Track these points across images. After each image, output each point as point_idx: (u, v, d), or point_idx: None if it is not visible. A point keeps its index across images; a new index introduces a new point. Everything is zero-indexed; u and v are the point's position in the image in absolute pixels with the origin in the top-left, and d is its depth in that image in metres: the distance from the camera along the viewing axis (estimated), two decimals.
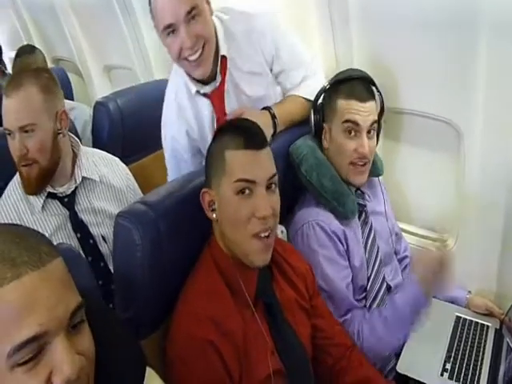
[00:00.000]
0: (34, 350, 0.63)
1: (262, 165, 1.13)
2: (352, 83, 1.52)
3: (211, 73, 1.58)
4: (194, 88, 1.63)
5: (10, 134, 1.43)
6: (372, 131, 1.53)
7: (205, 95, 1.66)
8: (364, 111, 1.49)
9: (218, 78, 1.62)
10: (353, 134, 1.50)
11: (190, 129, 1.72)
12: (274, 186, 1.15)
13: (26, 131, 1.42)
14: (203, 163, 1.25)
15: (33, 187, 1.49)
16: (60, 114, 1.49)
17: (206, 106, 1.68)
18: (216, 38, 1.55)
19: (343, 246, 1.50)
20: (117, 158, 1.76)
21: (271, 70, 1.70)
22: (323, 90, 1.58)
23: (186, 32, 1.43)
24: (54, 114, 1.48)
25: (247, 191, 1.11)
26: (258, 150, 1.13)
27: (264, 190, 1.12)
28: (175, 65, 1.64)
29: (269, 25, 1.63)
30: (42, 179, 1.49)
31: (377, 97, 1.56)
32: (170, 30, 1.45)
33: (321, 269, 1.45)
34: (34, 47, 2.82)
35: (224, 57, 1.59)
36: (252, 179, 1.10)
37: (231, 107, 1.67)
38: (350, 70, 1.61)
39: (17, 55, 2.69)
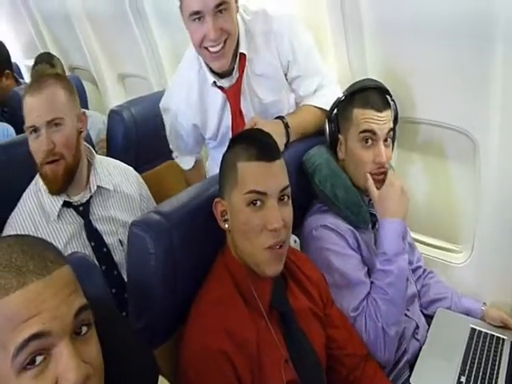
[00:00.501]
0: (37, 349, 0.63)
1: (274, 177, 1.13)
2: (367, 93, 1.52)
3: (228, 68, 1.59)
4: (211, 78, 1.63)
5: (34, 132, 1.44)
6: (388, 139, 1.52)
7: (221, 89, 1.66)
8: (380, 120, 1.48)
9: (235, 75, 1.63)
10: (370, 143, 1.50)
11: (195, 118, 1.74)
12: (286, 197, 1.15)
13: (55, 124, 1.44)
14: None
15: (59, 184, 1.49)
16: (81, 115, 1.53)
17: (218, 96, 1.68)
18: (237, 36, 1.57)
19: (354, 243, 1.49)
20: (131, 168, 1.77)
21: (286, 76, 1.71)
22: (338, 101, 1.58)
23: (212, 23, 1.45)
24: (76, 114, 1.51)
25: (259, 203, 1.11)
26: (270, 162, 1.13)
27: (276, 202, 1.12)
28: (189, 58, 1.68)
29: (288, 28, 1.64)
30: (68, 176, 1.50)
31: (392, 105, 1.56)
32: (196, 16, 1.46)
33: (334, 265, 1.44)
34: (51, 55, 2.86)
35: (243, 54, 1.60)
36: (263, 191, 1.10)
37: (245, 107, 1.69)
38: (365, 79, 1.60)
39: (35, 63, 2.72)
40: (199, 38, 1.49)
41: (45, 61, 2.69)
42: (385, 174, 1.52)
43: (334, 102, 1.60)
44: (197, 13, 1.45)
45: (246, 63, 1.62)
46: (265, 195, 1.11)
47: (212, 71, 1.62)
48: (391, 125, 1.52)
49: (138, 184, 1.74)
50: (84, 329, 0.69)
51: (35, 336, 0.63)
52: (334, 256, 1.45)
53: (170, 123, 1.81)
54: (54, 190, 1.50)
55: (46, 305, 0.64)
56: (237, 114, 1.70)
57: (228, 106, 1.70)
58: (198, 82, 1.68)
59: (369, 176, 1.51)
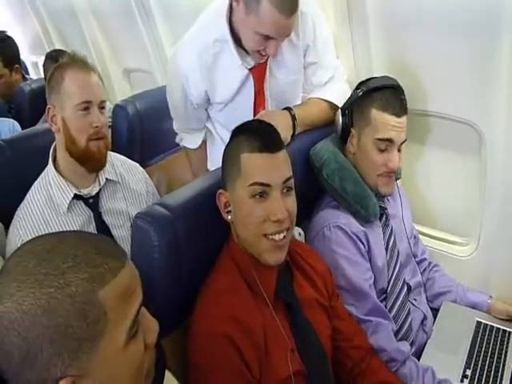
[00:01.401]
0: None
1: (277, 168, 1.13)
2: (386, 94, 1.49)
3: None
4: (239, 61, 1.60)
5: (85, 109, 1.47)
6: (401, 145, 1.52)
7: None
8: (399, 127, 1.48)
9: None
10: (384, 147, 1.49)
11: (204, 82, 1.68)
12: (289, 188, 1.16)
13: (102, 107, 1.50)
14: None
15: (103, 160, 1.55)
16: None
17: (241, 72, 1.64)
18: None
19: (364, 247, 1.48)
20: (137, 164, 1.78)
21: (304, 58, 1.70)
22: (356, 96, 1.55)
23: (276, 48, 1.49)
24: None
25: (262, 195, 1.11)
26: (273, 154, 1.13)
27: (279, 193, 1.12)
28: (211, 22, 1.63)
29: (313, 13, 1.63)
30: (106, 157, 1.57)
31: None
32: (265, 37, 1.45)
33: (342, 270, 1.44)
34: (62, 51, 2.83)
35: None
36: (267, 183, 1.11)
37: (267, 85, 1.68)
38: (384, 77, 1.56)
39: (46, 58, 2.70)
40: (257, 49, 1.50)
41: (54, 58, 2.66)
42: (393, 175, 1.53)
43: (351, 96, 1.58)
44: (268, 37, 1.45)
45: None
46: (268, 187, 1.11)
47: (241, 46, 1.58)
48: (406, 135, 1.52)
49: (144, 180, 1.75)
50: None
51: (140, 305, 0.73)
52: (342, 260, 1.45)
53: (181, 88, 1.70)
54: (98, 166, 1.55)
55: (137, 279, 0.75)
56: (260, 93, 1.68)
57: (250, 81, 1.67)
58: (213, 48, 1.62)
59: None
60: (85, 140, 1.48)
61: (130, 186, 1.67)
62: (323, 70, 1.71)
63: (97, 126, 1.47)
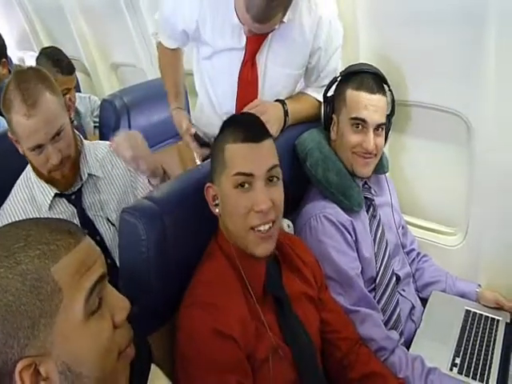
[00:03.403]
0: (97, 295, 0.72)
1: (260, 158, 1.12)
2: (363, 76, 1.51)
3: None
4: (235, 18, 1.50)
5: (38, 148, 1.39)
6: (380, 129, 1.52)
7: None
8: (372, 105, 1.48)
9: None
10: (360, 128, 1.50)
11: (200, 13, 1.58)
12: (275, 178, 1.14)
13: (58, 134, 1.40)
14: None
15: (70, 181, 1.51)
16: (67, 102, 1.49)
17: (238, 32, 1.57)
18: None
19: (352, 236, 1.49)
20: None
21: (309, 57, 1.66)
22: (334, 81, 1.58)
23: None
24: (64, 107, 1.46)
25: (246, 185, 1.11)
26: (256, 143, 1.12)
27: (263, 183, 1.11)
28: None
29: (333, 20, 1.59)
30: (75, 170, 1.51)
31: (388, 95, 1.55)
32: None
33: (330, 259, 1.44)
34: (57, 50, 2.76)
35: None
36: (249, 172, 1.10)
37: (261, 59, 1.61)
38: (362, 63, 1.59)
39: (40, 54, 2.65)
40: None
41: (49, 55, 2.59)
42: (371, 158, 1.53)
43: (331, 82, 1.60)
44: None
45: (279, 26, 1.50)
46: (251, 176, 1.10)
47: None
48: (383, 118, 1.51)
49: (129, 173, 1.68)
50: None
51: (99, 279, 0.72)
52: (330, 249, 1.45)
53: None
54: (67, 185, 1.51)
55: (96, 255, 0.75)
56: (248, 64, 1.61)
57: (242, 43, 1.59)
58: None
59: None
60: (46, 171, 1.45)
61: (113, 178, 1.63)
62: (325, 74, 1.69)
63: (57, 161, 1.41)
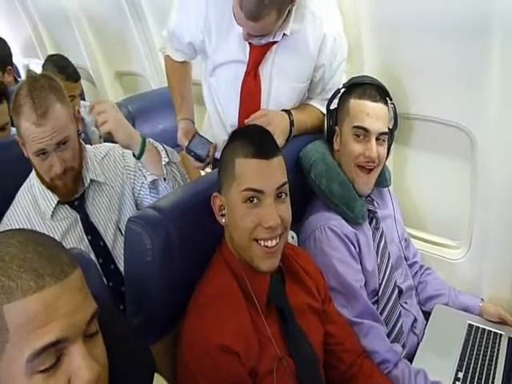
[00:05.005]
0: (52, 356, 0.63)
1: (270, 175, 1.12)
2: (366, 86, 1.53)
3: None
4: (240, 29, 1.50)
5: (42, 154, 1.41)
6: (381, 139, 1.52)
7: (249, 44, 1.57)
8: (374, 113, 1.49)
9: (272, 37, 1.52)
10: (362, 137, 1.51)
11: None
12: (283, 195, 1.15)
13: (63, 143, 1.41)
14: None
15: (71, 192, 1.51)
16: (76, 114, 1.50)
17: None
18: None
19: (355, 248, 1.49)
20: (114, 144, 1.68)
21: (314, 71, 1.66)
22: (337, 93, 1.59)
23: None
24: (73, 117, 1.48)
25: (255, 200, 1.11)
26: (267, 160, 1.12)
27: (272, 199, 1.11)
28: None
29: (337, 36, 1.60)
30: (76, 180, 1.51)
31: (390, 107, 1.56)
32: None
33: (334, 271, 1.44)
34: (63, 58, 2.76)
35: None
36: (260, 189, 1.10)
37: (266, 72, 1.62)
38: (365, 76, 1.60)
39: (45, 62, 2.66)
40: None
41: (54, 63, 2.59)
42: (372, 170, 1.53)
43: (333, 94, 1.60)
44: None
45: (282, 41, 1.54)
46: (261, 193, 1.10)
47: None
48: (385, 127, 1.52)
49: (119, 156, 1.67)
50: (94, 330, 0.69)
51: (53, 343, 0.62)
52: (334, 261, 1.45)
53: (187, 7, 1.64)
54: (69, 195, 1.51)
55: (63, 310, 0.64)
56: (251, 74, 1.62)
57: (246, 55, 1.60)
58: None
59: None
60: (49, 179, 1.46)
61: (113, 181, 1.63)
62: (330, 87, 1.69)
63: (60, 169, 1.42)
